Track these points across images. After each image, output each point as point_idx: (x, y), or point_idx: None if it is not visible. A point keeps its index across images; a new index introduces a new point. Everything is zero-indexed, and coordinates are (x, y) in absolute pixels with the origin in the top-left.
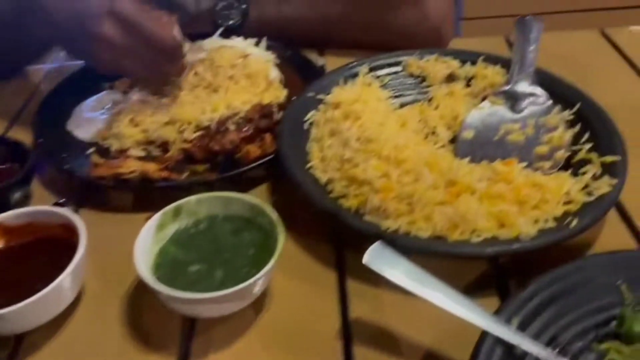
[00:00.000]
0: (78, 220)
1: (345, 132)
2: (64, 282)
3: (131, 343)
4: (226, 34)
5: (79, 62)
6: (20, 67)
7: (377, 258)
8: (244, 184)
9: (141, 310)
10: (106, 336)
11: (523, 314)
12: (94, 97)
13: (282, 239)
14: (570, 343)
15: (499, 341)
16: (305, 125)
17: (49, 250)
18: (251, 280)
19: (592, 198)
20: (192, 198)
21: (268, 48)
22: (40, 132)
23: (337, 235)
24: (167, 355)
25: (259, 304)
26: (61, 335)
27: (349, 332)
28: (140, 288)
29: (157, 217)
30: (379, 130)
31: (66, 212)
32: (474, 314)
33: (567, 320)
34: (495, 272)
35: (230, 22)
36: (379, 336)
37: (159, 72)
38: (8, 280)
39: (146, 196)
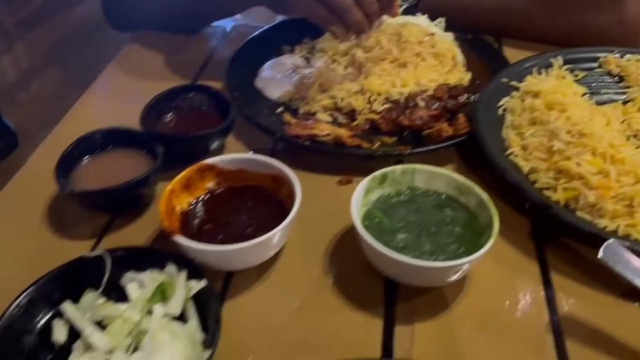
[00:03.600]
0: (293, 176)
1: (552, 123)
2: (277, 234)
3: (337, 296)
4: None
5: (257, 24)
6: (206, 24)
7: (612, 255)
8: (430, 162)
9: (344, 267)
10: (311, 284)
11: None
12: (276, 59)
13: (497, 220)
14: None
15: None
16: (499, 111)
17: (256, 198)
18: (472, 257)
19: None
20: (398, 168)
21: (446, 30)
22: (233, 87)
23: (537, 227)
24: (374, 315)
25: (459, 283)
26: (269, 276)
27: (559, 327)
28: (344, 241)
29: (366, 181)
30: (589, 124)
31: (281, 165)
32: None
33: None
34: None
35: (408, 1)
36: (592, 335)
37: (349, 21)
38: (220, 220)
39: (335, 159)
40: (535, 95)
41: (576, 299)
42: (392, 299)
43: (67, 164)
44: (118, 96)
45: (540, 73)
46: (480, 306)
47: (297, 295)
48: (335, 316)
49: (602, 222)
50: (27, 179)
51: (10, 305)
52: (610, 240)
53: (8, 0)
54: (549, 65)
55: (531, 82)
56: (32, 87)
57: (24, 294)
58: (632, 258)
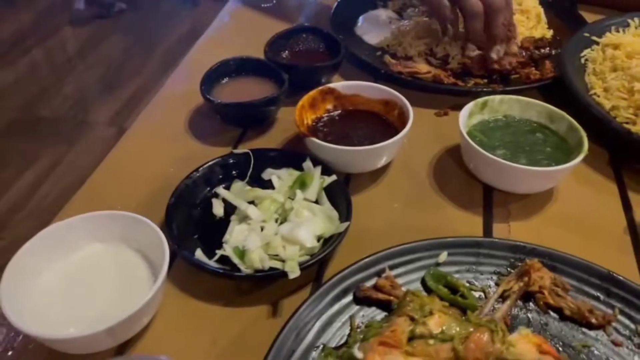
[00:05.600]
0: (404, 99)
1: (633, 68)
2: (390, 144)
3: (441, 198)
4: None
5: None
6: None
7: None
8: None
9: (447, 178)
10: (417, 189)
11: None
12: (372, 12)
13: (586, 140)
14: None
15: None
16: (581, 61)
17: (370, 120)
18: (567, 165)
19: None
20: (497, 97)
21: None
22: (338, 32)
23: (614, 156)
24: (474, 214)
25: (547, 195)
26: (380, 182)
27: (635, 231)
28: (443, 160)
29: (470, 105)
30: None
31: (394, 91)
32: None
33: None
34: None
35: None
36: None
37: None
38: (339, 134)
39: (432, 95)
40: (616, 47)
41: None
42: (490, 202)
43: (209, 82)
44: (234, 36)
45: (618, 31)
46: (567, 213)
47: (406, 196)
48: (441, 212)
49: None
50: (167, 97)
51: (180, 184)
52: None
53: None
54: (626, 25)
55: (610, 37)
56: (91, 55)
57: (190, 176)
58: None
